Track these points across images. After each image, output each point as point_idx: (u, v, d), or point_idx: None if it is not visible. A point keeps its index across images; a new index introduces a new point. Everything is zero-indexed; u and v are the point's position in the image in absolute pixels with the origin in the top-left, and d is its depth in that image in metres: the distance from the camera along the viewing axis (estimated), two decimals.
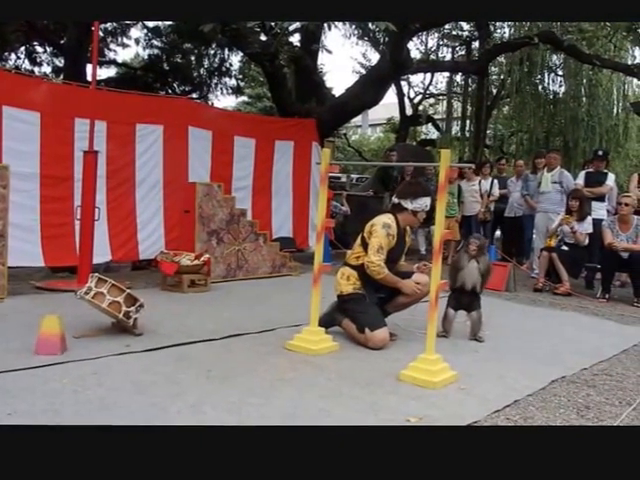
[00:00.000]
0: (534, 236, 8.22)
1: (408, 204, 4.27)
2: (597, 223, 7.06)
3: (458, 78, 17.52)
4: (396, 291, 4.31)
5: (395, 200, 4.35)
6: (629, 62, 13.36)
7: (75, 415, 2.71)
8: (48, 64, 15.34)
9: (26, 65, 14.86)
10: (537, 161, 8.77)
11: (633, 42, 11.24)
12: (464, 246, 4.84)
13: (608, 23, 9.74)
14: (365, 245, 4.23)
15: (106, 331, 4.16)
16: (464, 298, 4.55)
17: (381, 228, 4.15)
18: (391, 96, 17.30)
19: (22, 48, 14.55)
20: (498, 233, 10.37)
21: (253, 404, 2.95)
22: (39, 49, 14.94)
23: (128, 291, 4.09)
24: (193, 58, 15.13)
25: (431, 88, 20.03)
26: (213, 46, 14.34)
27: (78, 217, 5.94)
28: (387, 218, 4.23)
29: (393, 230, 4.20)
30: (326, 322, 4.27)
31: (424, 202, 4.27)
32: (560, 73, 16.08)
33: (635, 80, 14.24)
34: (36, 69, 14.93)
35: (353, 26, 14.10)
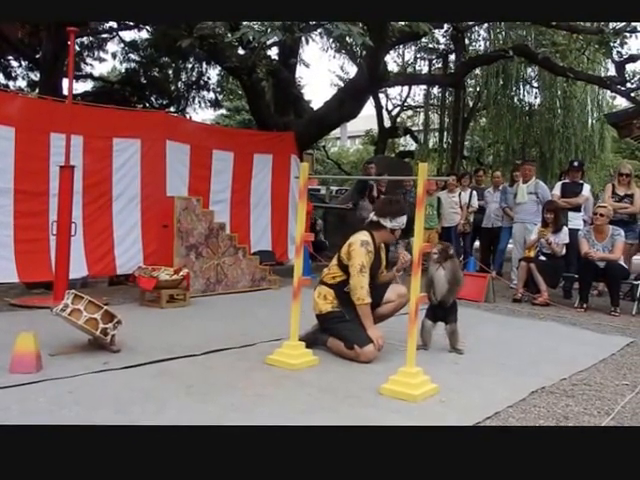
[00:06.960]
0: (514, 248, 8.25)
1: (387, 222, 4.27)
2: (574, 233, 7.14)
3: (435, 90, 17.75)
4: (374, 304, 4.30)
5: (374, 218, 4.34)
6: (602, 74, 13.59)
7: None
8: (23, 78, 15.27)
9: (0, 79, 14.74)
10: (515, 174, 8.87)
11: (605, 55, 11.42)
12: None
13: (580, 36, 9.90)
14: (343, 266, 4.22)
15: (83, 348, 4.09)
16: (439, 310, 4.55)
17: (359, 247, 4.14)
18: (369, 108, 17.44)
19: None
20: (477, 244, 10.43)
21: (234, 419, 2.92)
22: (14, 63, 14.83)
23: (105, 307, 4.04)
24: (170, 72, 15.15)
25: (409, 100, 20.30)
26: (191, 60, 14.35)
27: (54, 232, 5.86)
28: (364, 235, 4.23)
29: (371, 247, 4.20)
30: (309, 341, 4.23)
31: (402, 220, 4.30)
32: (535, 85, 16.33)
33: (608, 92, 14.48)
34: (11, 83, 14.83)
35: (330, 39, 14.19)
